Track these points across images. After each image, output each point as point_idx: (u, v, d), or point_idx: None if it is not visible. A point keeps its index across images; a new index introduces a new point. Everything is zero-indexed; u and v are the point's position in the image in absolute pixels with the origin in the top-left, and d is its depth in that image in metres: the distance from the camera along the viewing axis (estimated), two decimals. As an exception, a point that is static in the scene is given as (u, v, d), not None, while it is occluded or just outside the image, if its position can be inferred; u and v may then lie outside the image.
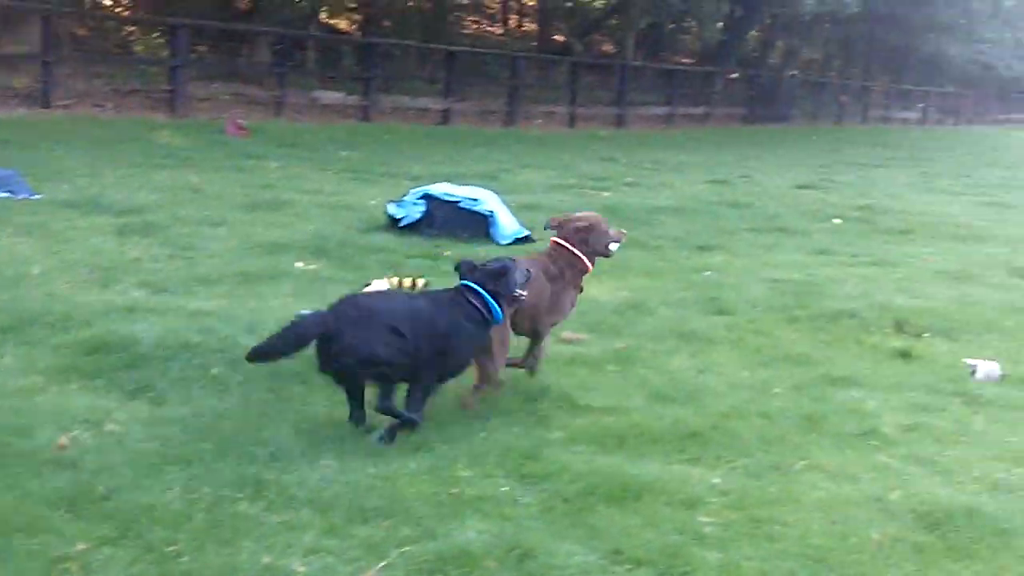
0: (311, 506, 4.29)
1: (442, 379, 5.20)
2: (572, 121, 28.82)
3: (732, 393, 6.13)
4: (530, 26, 38.78)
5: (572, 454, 4.99)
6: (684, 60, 39.49)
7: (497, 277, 5.27)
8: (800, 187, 17.56)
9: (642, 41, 35.80)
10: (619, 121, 30.47)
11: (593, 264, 6.15)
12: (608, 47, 37.00)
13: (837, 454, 5.27)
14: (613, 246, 6.21)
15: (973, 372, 6.84)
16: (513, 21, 40.66)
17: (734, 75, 38.45)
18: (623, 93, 30.96)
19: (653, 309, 7.99)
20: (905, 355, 7.18)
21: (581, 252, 6.04)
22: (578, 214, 6.31)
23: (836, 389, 6.33)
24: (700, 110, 34.21)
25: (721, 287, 8.92)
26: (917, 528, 4.46)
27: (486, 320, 5.22)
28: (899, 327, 7.86)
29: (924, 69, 45.45)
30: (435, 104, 25.33)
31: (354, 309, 4.87)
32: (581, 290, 6.22)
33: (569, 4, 35.46)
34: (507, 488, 4.59)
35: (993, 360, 6.99)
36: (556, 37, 35.96)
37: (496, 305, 5.25)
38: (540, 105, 29.48)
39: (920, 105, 47.33)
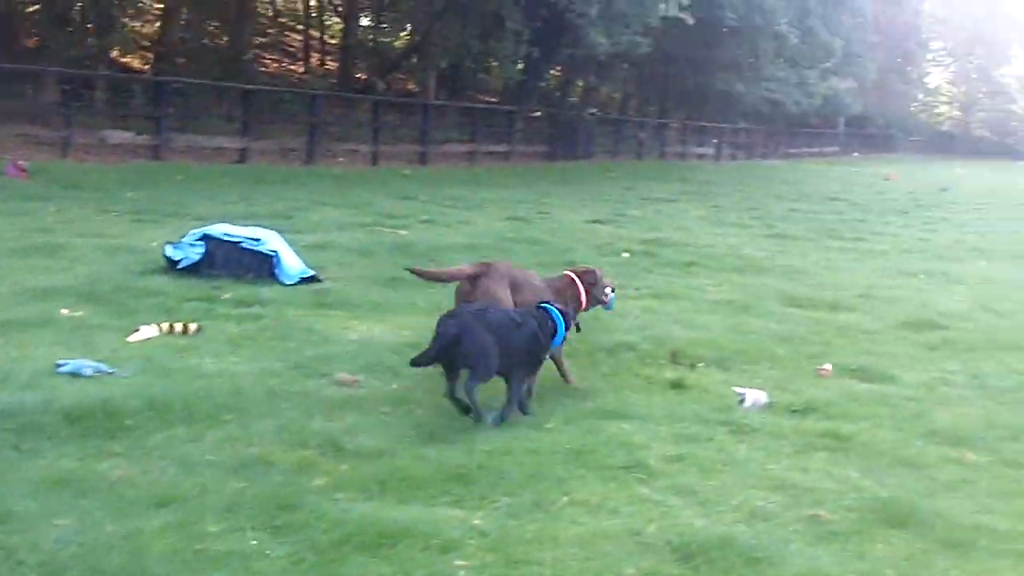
0: (41, 570, 4.02)
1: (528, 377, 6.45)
2: (375, 159, 28.68)
3: (504, 430, 6.08)
4: (332, 64, 38.55)
5: (331, 502, 4.84)
6: (487, 99, 39.87)
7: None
8: (594, 222, 17.85)
9: (444, 80, 35.99)
10: (422, 159, 30.46)
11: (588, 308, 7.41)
12: (411, 86, 37.05)
13: (600, 488, 5.28)
14: (608, 292, 7.52)
15: (741, 400, 7.00)
16: (315, 59, 40.35)
17: (536, 113, 39.09)
18: (426, 131, 31.00)
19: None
20: (678, 386, 7.30)
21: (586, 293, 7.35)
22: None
23: (608, 422, 6.36)
24: (502, 148, 34.52)
25: (505, 323, 8.89)
26: (671, 560, 4.49)
27: (556, 334, 6.51)
28: (674, 358, 8.01)
29: (717, 107, 47.06)
30: (232, 143, 24.82)
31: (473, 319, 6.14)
32: (578, 328, 7.15)
33: (371, 43, 35.39)
34: (256, 542, 4.41)
35: (761, 389, 7.17)
36: (358, 75, 35.80)
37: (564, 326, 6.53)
38: (342, 143, 29.30)
39: (714, 141, 49.06)
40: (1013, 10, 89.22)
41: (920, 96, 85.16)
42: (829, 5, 44.37)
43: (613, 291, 7.65)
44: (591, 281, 7.39)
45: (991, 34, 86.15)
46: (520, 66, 33.19)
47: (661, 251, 14.25)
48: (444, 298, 9.66)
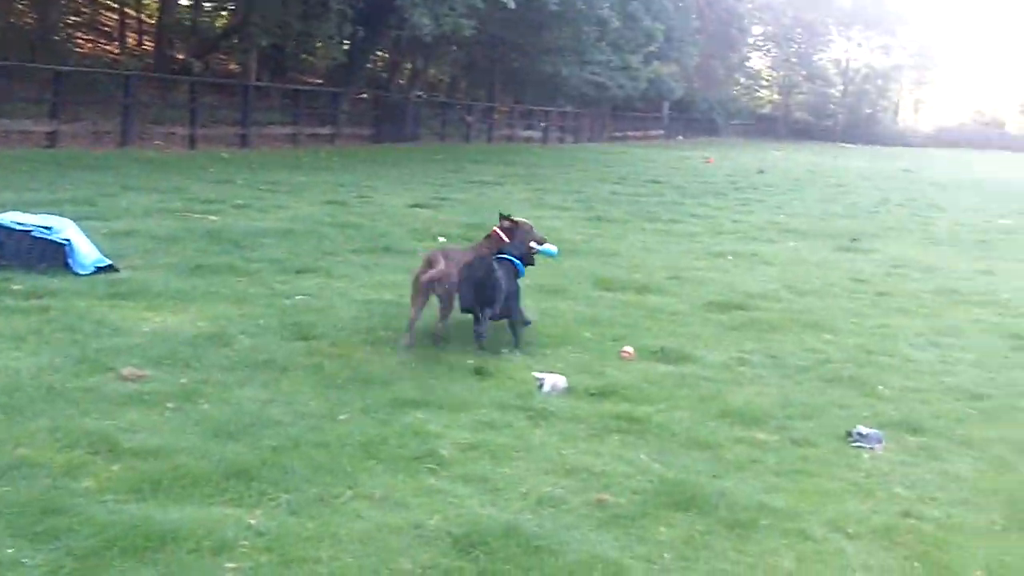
0: None
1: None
2: (193, 142, 27.88)
3: (295, 423, 5.92)
4: (148, 45, 37.27)
5: (99, 505, 4.60)
6: (311, 80, 39.24)
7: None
8: (415, 206, 17.67)
9: (266, 61, 35.24)
10: (243, 142, 29.76)
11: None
12: (233, 67, 36.15)
13: (389, 480, 5.17)
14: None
15: (540, 385, 6.98)
16: (132, 40, 38.94)
17: (362, 95, 38.68)
18: (246, 113, 30.27)
19: (231, 338, 7.66)
20: (480, 372, 7.25)
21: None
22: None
23: (404, 411, 6.26)
24: (327, 130, 34.02)
25: (309, 311, 8.71)
26: (452, 553, 4.41)
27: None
28: (479, 344, 7.94)
29: (544, 90, 47.42)
30: (40, 126, 23.74)
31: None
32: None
33: (188, 23, 34.34)
34: (13, 550, 4.15)
35: (562, 373, 7.17)
36: (176, 56, 34.73)
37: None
38: (159, 126, 28.38)
39: (542, 124, 49.45)
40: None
41: (742, 80, 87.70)
42: (649, -10, 45.19)
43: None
44: (509, 228, 8.58)
45: (810, 20, 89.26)
46: (345, 47, 32.64)
47: (477, 235, 14.06)
48: (249, 286, 9.45)
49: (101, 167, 20.35)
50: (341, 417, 6.10)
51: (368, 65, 38.85)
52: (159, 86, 31.61)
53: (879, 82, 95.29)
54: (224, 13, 37.66)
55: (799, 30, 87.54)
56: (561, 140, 50.15)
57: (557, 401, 6.70)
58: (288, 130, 32.42)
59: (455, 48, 40.70)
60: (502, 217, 8.77)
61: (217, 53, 35.09)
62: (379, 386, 6.74)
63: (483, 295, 7.61)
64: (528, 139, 47.19)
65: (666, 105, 67.85)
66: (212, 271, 10.18)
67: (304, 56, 36.59)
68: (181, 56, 34.52)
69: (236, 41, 33.07)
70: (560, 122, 51.74)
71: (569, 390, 6.98)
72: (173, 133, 28.35)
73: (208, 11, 36.70)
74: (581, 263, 12.38)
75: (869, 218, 20.84)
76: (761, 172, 35.50)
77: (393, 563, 4.27)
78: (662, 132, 67.24)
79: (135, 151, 24.57)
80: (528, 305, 9.48)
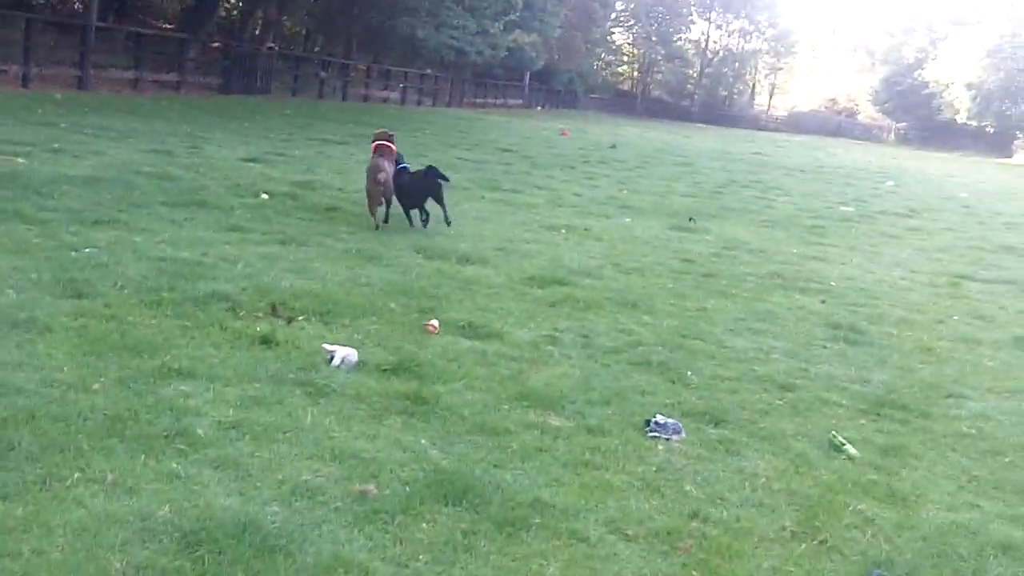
0: None
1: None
2: (25, 81, 26.38)
3: (39, 392, 5.28)
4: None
5: None
6: (158, 24, 37.64)
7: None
8: (246, 160, 16.91)
9: (111, 1, 33.60)
10: (80, 84, 28.38)
11: None
12: (69, 4, 34.37)
13: (127, 462, 4.60)
14: None
15: (331, 359, 6.47)
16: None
17: (215, 44, 37.31)
18: (86, 54, 28.80)
19: (-6, 293, 6.93)
20: (266, 341, 6.69)
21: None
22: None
23: (167, 383, 5.68)
24: (172, 77, 32.70)
25: (94, 267, 8.00)
26: (174, 550, 3.89)
27: None
28: (273, 311, 7.39)
29: (403, 51, 46.53)
30: None
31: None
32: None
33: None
34: None
35: (355, 346, 6.67)
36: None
37: None
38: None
39: (401, 86, 48.60)
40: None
41: (603, 55, 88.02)
42: (512, -43, 44.63)
43: None
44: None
45: None
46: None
47: (306, 194, 13.55)
48: (36, 236, 8.68)
49: None
50: (94, 387, 5.49)
51: (220, 13, 37.36)
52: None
53: (736, 65, 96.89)
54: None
55: (661, 8, 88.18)
56: (419, 103, 49.37)
57: (343, 376, 6.20)
58: (130, 74, 31.09)
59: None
60: (387, 134, 12.60)
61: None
62: (147, 353, 6.13)
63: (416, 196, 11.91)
64: (385, 100, 46.34)
65: (527, 75, 67.57)
66: (-2, 218, 9.34)
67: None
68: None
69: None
70: (419, 84, 50.97)
71: (360, 364, 6.48)
72: (4, 71, 26.79)
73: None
74: (406, 230, 11.86)
75: (710, 198, 20.80)
76: (613, 147, 35.43)
77: (102, 560, 3.73)
78: (522, 102, 66.96)
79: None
80: (338, 271, 8.98)
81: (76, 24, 30.41)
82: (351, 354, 6.53)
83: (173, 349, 6.29)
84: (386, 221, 11.92)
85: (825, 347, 8.59)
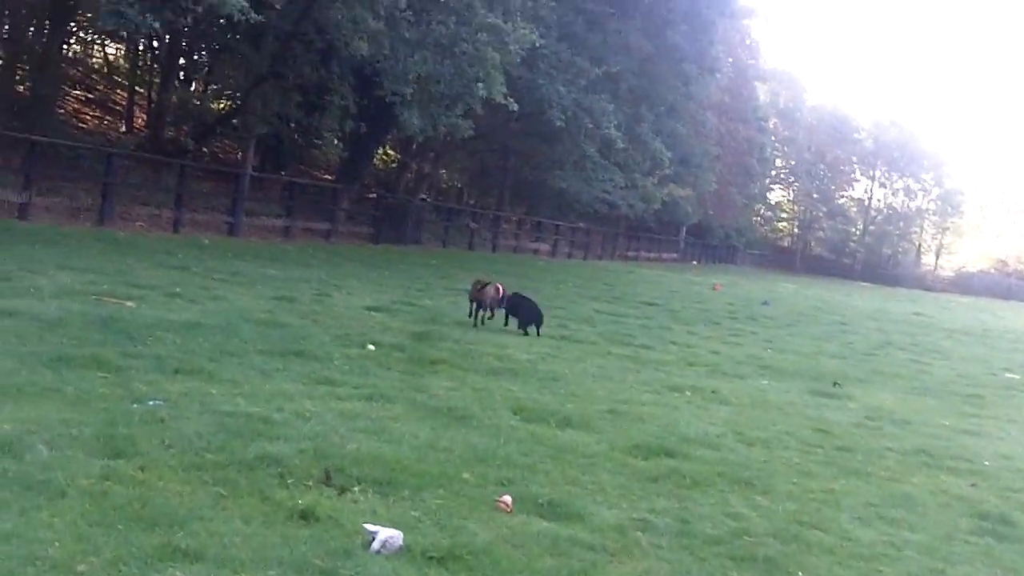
0: None
1: None
2: (176, 226, 26.94)
3: (14, 572, 4.52)
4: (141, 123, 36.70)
5: None
6: (314, 174, 38.52)
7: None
8: (370, 308, 16.48)
9: (268, 152, 34.54)
10: (231, 230, 28.91)
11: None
12: (230, 154, 35.49)
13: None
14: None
15: (371, 540, 5.57)
16: (140, 120, 38.37)
17: (371, 195, 37.93)
18: (238, 201, 29.44)
19: (26, 448, 6.34)
20: (306, 516, 5.86)
21: None
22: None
23: (166, 566, 4.87)
24: (323, 226, 33.22)
25: (148, 422, 7.35)
26: None
27: None
28: (327, 478, 6.56)
29: (554, 203, 46.66)
30: (10, 196, 22.83)
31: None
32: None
33: (188, 105, 33.70)
34: None
35: (409, 525, 5.76)
36: (175, 137, 34.06)
37: None
38: (145, 207, 27.60)
39: (553, 238, 48.61)
40: (856, 136, 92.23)
41: (761, 211, 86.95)
42: (663, 115, 44.38)
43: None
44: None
45: (833, 157, 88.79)
46: (340, 143, 31.88)
47: (417, 346, 12.88)
48: (102, 386, 8.15)
49: (56, 242, 19.32)
50: (79, 568, 4.72)
51: (376, 163, 38.02)
52: (150, 167, 30.82)
53: (901, 224, 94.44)
54: (222, 100, 36.92)
55: (822, 166, 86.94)
56: (569, 255, 49.25)
57: (378, 567, 5.28)
58: (281, 222, 31.63)
59: (462, 153, 39.76)
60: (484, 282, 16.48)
61: (214, 139, 34.29)
62: (161, 527, 5.36)
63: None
64: (535, 252, 46.34)
65: (683, 229, 67.06)
66: (74, 364, 8.88)
67: (309, 149, 35.73)
68: (176, 137, 33.79)
69: (234, 128, 32.20)
70: (570, 237, 50.89)
71: (404, 550, 5.56)
72: (158, 215, 27.53)
73: (206, 94, 35.94)
74: (509, 385, 11.03)
75: (862, 361, 19.38)
76: (765, 303, 34.22)
77: None
78: (676, 256, 66.35)
79: (111, 231, 23.64)
80: (418, 433, 8.16)
81: (229, 172, 31.23)
82: (395, 537, 5.61)
83: (194, 523, 5.50)
84: (480, 323, 16.00)
85: (968, 542, 7.25)
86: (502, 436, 8.47)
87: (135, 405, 7.83)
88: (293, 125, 31.22)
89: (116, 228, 24.64)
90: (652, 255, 62.01)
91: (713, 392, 12.50)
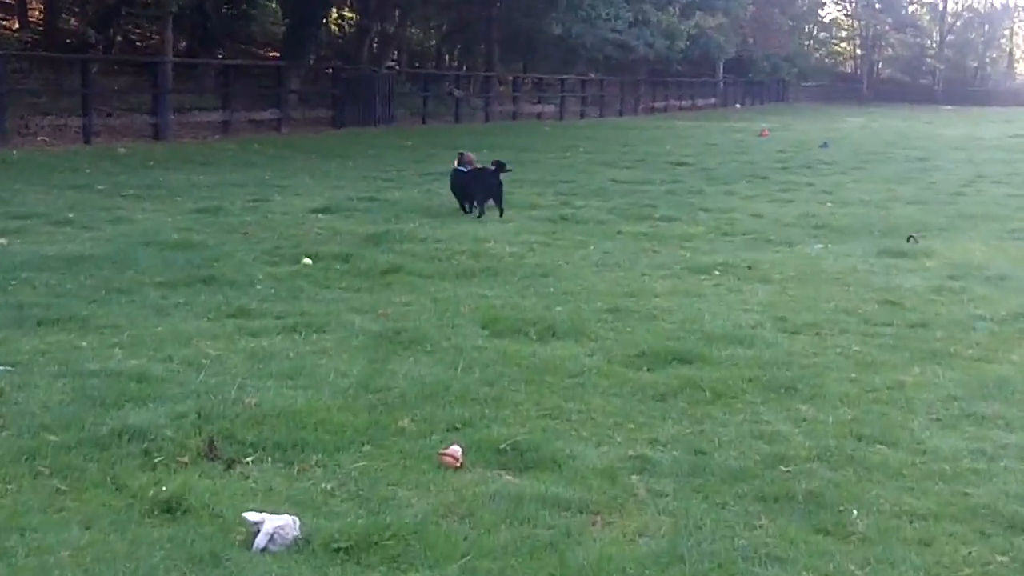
0: None
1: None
2: (87, 136, 26.08)
3: None
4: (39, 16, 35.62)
5: None
6: (254, 51, 37.53)
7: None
8: (319, 211, 15.76)
9: (193, 30, 33.55)
10: (156, 133, 28.00)
11: None
12: (147, 40, 34.53)
13: None
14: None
15: (256, 534, 4.84)
16: (35, 13, 37.21)
17: (327, 69, 36.99)
18: (160, 97, 28.48)
19: None
20: (171, 509, 5.17)
21: None
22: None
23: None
24: (271, 114, 32.28)
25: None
26: None
27: None
28: (209, 449, 5.84)
29: (559, 55, 45.54)
30: None
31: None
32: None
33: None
34: None
35: (290, 514, 5.01)
36: (71, 27, 33.09)
37: None
38: (48, 116, 26.78)
39: (559, 96, 47.54)
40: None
41: (814, 32, 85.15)
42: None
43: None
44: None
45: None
46: (279, 8, 30.87)
47: (367, 253, 12.17)
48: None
49: None
50: None
51: (328, 30, 36.98)
52: (49, 67, 29.90)
53: (986, 28, 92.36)
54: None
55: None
56: (581, 115, 48.22)
57: (263, 567, 4.57)
58: (218, 116, 30.72)
59: (434, 4, 38.61)
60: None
61: (123, 22, 33.22)
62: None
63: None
64: (539, 116, 45.41)
65: (719, 67, 65.72)
66: None
67: (243, 22, 34.67)
68: (75, 26, 32.81)
69: (145, 5, 31.15)
70: (580, 92, 49.85)
71: (299, 544, 4.83)
72: (64, 125, 26.70)
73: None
74: (482, 290, 10.33)
75: (945, 205, 18.54)
76: (824, 146, 33.33)
77: None
78: (714, 100, 65.17)
79: (4, 151, 22.91)
80: (351, 369, 7.43)
81: (146, 62, 30.25)
82: (286, 527, 4.87)
83: (12, 535, 4.82)
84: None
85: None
86: (462, 361, 7.72)
87: (-31, 374, 7.12)
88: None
89: (12, 146, 23.89)
90: (684, 103, 60.81)
91: (749, 268, 11.75)
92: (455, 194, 16.10)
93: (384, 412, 6.58)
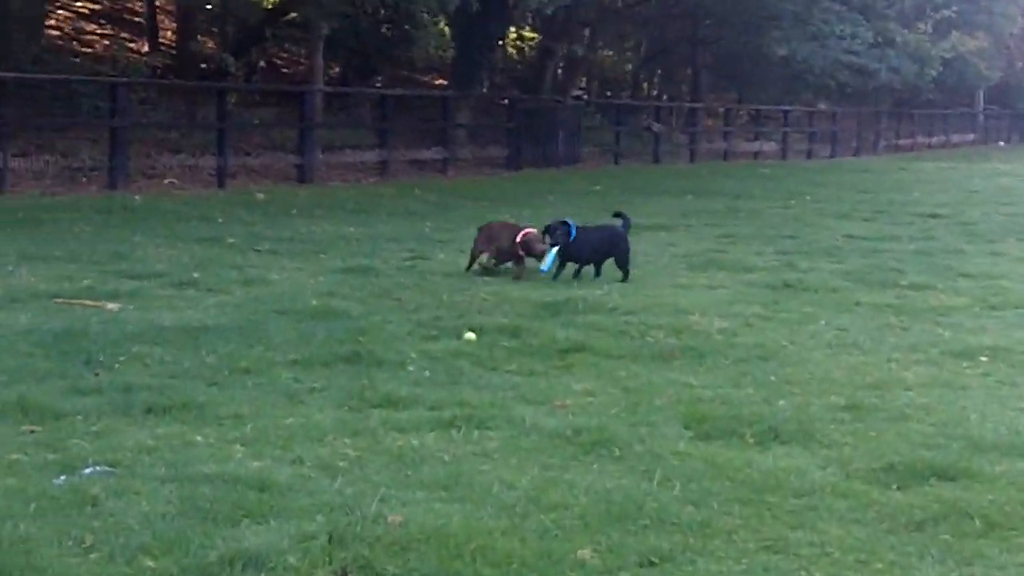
0: None
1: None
2: (221, 178, 26.65)
3: None
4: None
5: None
6: (417, 78, 38.08)
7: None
8: (489, 273, 15.71)
9: (348, 56, 34.16)
10: (301, 175, 28.53)
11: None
12: (294, 65, 35.29)
13: None
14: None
15: None
16: (167, 34, 38.34)
17: (503, 100, 37.45)
18: (307, 132, 28.97)
19: None
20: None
21: None
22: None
23: None
24: (434, 154, 32.73)
25: (77, 506, 6.56)
26: None
27: None
28: None
29: (781, 82, 45.26)
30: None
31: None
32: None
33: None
34: None
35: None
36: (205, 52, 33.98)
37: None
38: (178, 155, 27.52)
39: (782, 131, 47.24)
40: None
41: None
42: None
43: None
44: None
45: None
46: (447, 28, 31.23)
47: (542, 326, 12.01)
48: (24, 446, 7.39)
49: (35, 221, 19.38)
50: None
51: (505, 53, 37.29)
52: (180, 97, 30.71)
53: None
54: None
55: None
56: (809, 154, 47.90)
57: None
58: (374, 156, 31.25)
59: (630, 26, 38.68)
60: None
61: (266, 46, 34.02)
62: None
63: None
64: (756, 155, 45.28)
65: (980, 96, 64.61)
66: None
67: (405, 45, 35.13)
68: (210, 50, 33.66)
69: (293, 26, 31.89)
70: (807, 127, 49.50)
71: None
72: (196, 166, 27.37)
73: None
74: (685, 377, 10.06)
75: None
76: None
77: None
78: (973, 136, 64.10)
79: (124, 195, 23.64)
80: (519, 480, 7.15)
81: (291, 92, 30.82)
82: None
83: None
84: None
85: None
86: (659, 472, 7.37)
87: (61, 478, 7.01)
88: (373, 12, 30.58)
89: (136, 189, 24.64)
90: (935, 140, 59.98)
91: (1027, 356, 11.21)
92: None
93: (559, 538, 6.24)
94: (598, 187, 30.60)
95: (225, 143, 27.13)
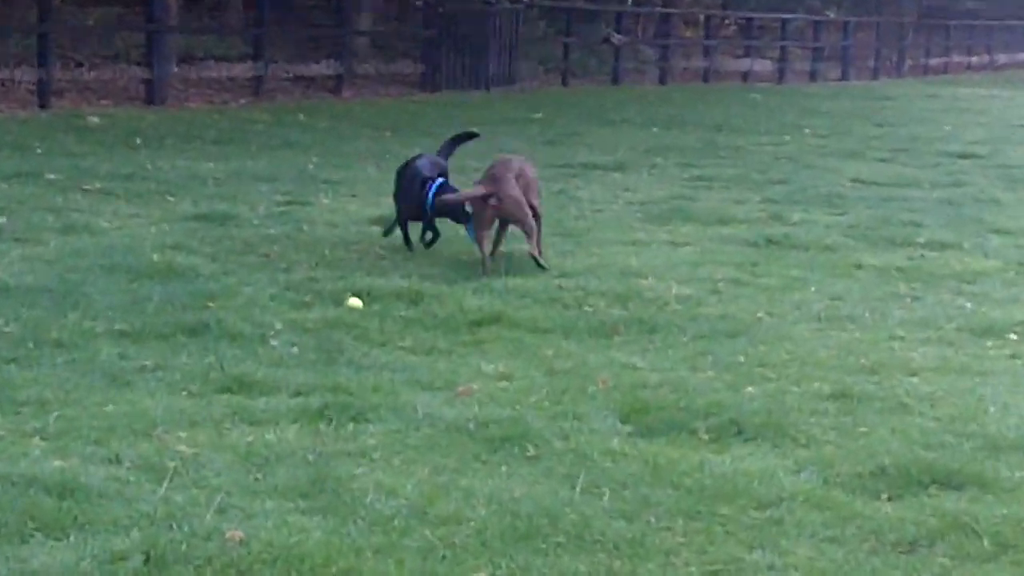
0: None
1: None
2: (43, 97, 26.79)
3: None
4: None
5: None
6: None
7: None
8: (379, 221, 15.83)
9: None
10: (150, 94, 28.81)
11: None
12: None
13: None
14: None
15: None
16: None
17: (417, 2, 37.58)
18: (157, 37, 29.05)
19: None
20: None
21: None
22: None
23: None
24: (328, 69, 33.13)
25: None
26: None
27: None
28: None
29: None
30: None
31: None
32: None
33: None
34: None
35: None
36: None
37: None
38: None
39: (778, 46, 47.78)
40: None
41: None
42: None
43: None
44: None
45: None
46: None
47: (453, 291, 12.20)
48: None
49: None
50: None
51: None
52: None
53: None
54: None
55: None
56: (813, 76, 48.48)
57: None
58: (245, 70, 31.59)
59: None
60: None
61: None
62: None
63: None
64: (747, 75, 45.82)
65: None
66: None
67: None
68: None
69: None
70: (811, 41, 49.99)
71: None
72: (10, 80, 27.79)
73: None
74: (629, 356, 10.36)
75: None
76: None
77: None
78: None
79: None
80: (404, 485, 7.28)
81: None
82: None
83: None
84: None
85: None
86: (584, 476, 7.55)
87: None
88: None
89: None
90: (975, 59, 60.79)
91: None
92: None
93: (448, 560, 6.38)
94: (539, 114, 30.92)
95: (48, 51, 27.21)
